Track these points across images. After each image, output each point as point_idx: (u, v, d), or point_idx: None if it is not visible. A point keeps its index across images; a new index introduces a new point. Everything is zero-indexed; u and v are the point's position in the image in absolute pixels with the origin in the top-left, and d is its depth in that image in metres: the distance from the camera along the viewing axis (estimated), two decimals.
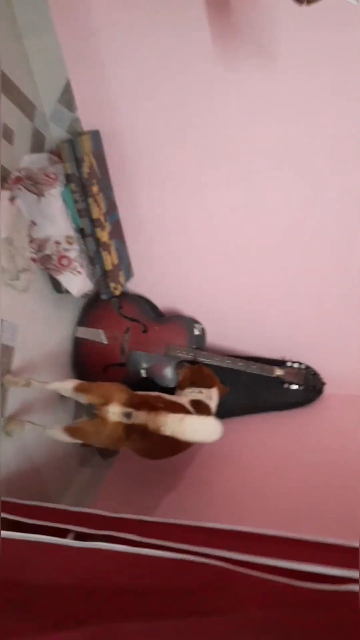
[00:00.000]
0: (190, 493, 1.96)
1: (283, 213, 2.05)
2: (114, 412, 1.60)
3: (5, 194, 1.78)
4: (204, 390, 1.99)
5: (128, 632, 1.02)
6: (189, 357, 2.21)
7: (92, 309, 2.26)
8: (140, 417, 1.57)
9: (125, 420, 1.59)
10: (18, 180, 1.82)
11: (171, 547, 1.29)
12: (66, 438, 1.69)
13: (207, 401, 1.95)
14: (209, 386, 2.02)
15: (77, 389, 1.69)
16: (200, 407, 1.90)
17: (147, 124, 1.99)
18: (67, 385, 1.71)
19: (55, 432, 1.70)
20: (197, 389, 1.98)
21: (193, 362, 2.19)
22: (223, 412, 2.33)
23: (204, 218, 2.17)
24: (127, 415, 1.59)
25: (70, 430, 1.67)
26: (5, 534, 1.40)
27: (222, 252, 2.25)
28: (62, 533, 1.43)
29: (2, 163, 1.81)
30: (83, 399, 1.68)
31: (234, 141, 1.92)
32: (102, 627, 1.04)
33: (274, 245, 2.16)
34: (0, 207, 1.75)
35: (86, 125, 2.04)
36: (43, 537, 1.36)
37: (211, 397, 1.99)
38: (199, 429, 1.55)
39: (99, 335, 2.21)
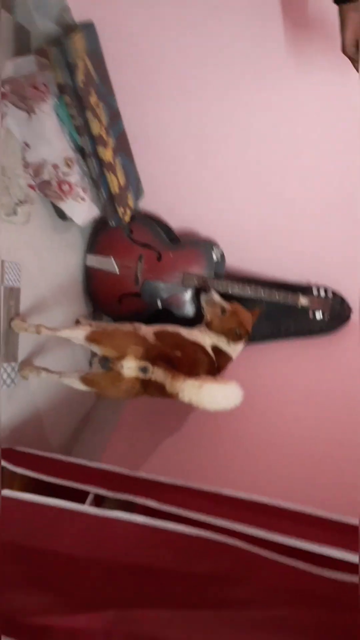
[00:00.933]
0: (200, 442, 1.92)
1: (310, 117, 1.76)
2: (130, 366, 1.50)
3: None
4: (232, 343, 1.87)
5: (151, 620, 1.02)
6: (208, 286, 2.05)
7: (101, 235, 2.07)
8: (158, 374, 1.48)
9: (142, 375, 1.50)
10: (3, 96, 1.55)
11: (191, 518, 1.26)
12: (82, 387, 1.62)
13: (230, 352, 1.85)
14: (240, 337, 1.87)
15: (89, 339, 1.58)
16: (220, 356, 1.81)
17: (150, 12, 1.63)
18: (79, 334, 1.61)
19: (71, 380, 1.63)
20: (225, 340, 1.86)
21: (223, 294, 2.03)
22: None
23: (220, 124, 1.88)
24: (144, 369, 1.50)
25: (86, 381, 1.60)
26: (27, 497, 1.38)
27: (241, 163, 1.99)
28: (80, 494, 1.42)
29: None
30: (97, 349, 1.58)
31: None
32: (125, 612, 1.03)
33: (298, 153, 1.89)
34: None
35: (77, 15, 1.68)
36: (62, 502, 1.34)
37: (237, 349, 1.88)
38: (217, 397, 1.44)
39: (110, 264, 2.04)
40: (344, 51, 1.27)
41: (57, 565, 1.22)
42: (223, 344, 1.84)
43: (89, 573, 1.17)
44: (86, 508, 1.35)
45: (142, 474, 1.47)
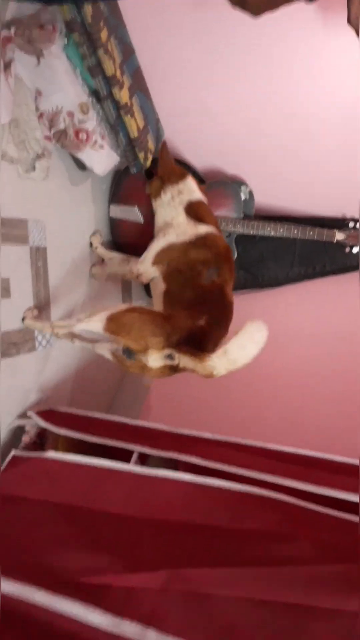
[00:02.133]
0: (235, 395, 1.90)
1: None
2: (154, 359, 1.43)
3: None
4: (180, 184, 1.74)
5: (204, 578, 1.04)
6: (237, 229, 1.97)
7: (123, 183, 1.97)
8: (185, 361, 1.40)
9: (169, 362, 1.44)
10: (7, 40, 1.43)
11: (237, 474, 1.27)
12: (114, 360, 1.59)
13: (191, 196, 1.74)
14: (180, 177, 1.76)
15: (107, 331, 1.48)
16: (192, 209, 1.72)
17: None
18: (96, 327, 1.49)
19: (104, 352, 1.60)
20: (174, 189, 1.74)
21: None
22: (277, 281, 2.18)
23: (245, 53, 1.72)
24: (170, 356, 1.43)
25: (117, 359, 1.56)
26: (72, 458, 1.41)
27: (267, 93, 1.84)
28: (126, 451, 1.44)
29: None
30: (117, 342, 1.51)
31: None
32: (179, 571, 1.06)
33: (330, 81, 1.73)
34: None
35: None
36: (108, 462, 1.36)
37: (192, 189, 1.76)
38: (248, 348, 1.33)
39: (134, 213, 1.96)
40: (349, 21, 1.33)
41: (108, 525, 1.25)
42: (178, 196, 1.73)
43: (141, 532, 1.20)
44: (132, 467, 1.37)
45: (184, 430, 1.48)
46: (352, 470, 1.23)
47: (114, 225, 2.01)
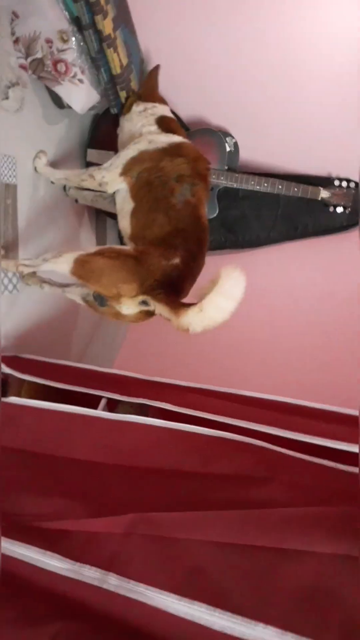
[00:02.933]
0: (212, 346, 1.84)
1: None
2: (128, 307, 1.37)
3: None
4: (157, 104, 1.62)
5: (171, 521, 1.00)
6: (220, 181, 1.89)
7: (103, 126, 1.88)
8: (160, 309, 1.32)
9: (144, 308, 1.37)
10: None
11: (210, 419, 1.22)
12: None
13: (165, 113, 1.63)
14: (158, 101, 1.65)
15: (74, 274, 1.38)
16: (163, 122, 1.59)
17: None
18: (63, 268, 1.39)
19: (75, 297, 1.52)
20: (148, 104, 1.62)
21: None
22: (258, 241, 2.13)
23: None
24: (144, 302, 1.36)
25: (89, 305, 1.49)
26: (35, 403, 1.34)
27: (255, 42, 1.79)
28: (93, 399, 1.38)
29: None
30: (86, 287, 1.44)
31: None
32: (143, 516, 1.01)
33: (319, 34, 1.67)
34: None
35: None
36: (73, 407, 1.29)
37: (167, 111, 1.65)
38: (224, 305, 1.21)
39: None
40: None
41: (73, 471, 1.19)
42: (156, 108, 1.62)
43: (108, 478, 1.15)
44: (99, 413, 1.30)
45: (156, 377, 1.42)
46: (329, 416, 1.20)
47: None
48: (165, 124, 1.58)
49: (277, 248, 2.13)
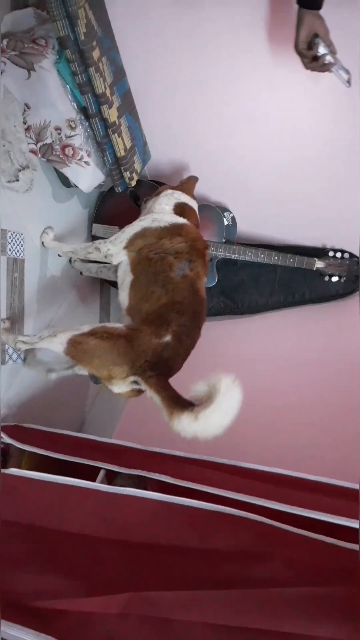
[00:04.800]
0: None
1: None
2: (119, 387, 1.38)
3: None
4: (178, 193, 1.69)
5: (169, 602, 0.98)
6: (219, 253, 1.97)
7: (107, 203, 1.98)
8: (151, 395, 1.31)
9: (135, 387, 1.38)
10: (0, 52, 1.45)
11: (208, 492, 1.22)
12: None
13: (186, 200, 1.69)
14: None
15: (68, 354, 1.41)
16: (180, 207, 1.66)
17: None
18: (57, 348, 1.42)
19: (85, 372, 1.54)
20: (176, 192, 1.70)
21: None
22: (256, 308, 2.19)
23: (231, 84, 1.78)
24: (135, 382, 1.37)
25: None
26: (33, 474, 1.34)
27: (251, 124, 1.92)
28: (93, 469, 1.38)
29: None
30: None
31: None
32: (141, 594, 0.99)
33: (316, 112, 1.80)
34: None
35: None
36: (72, 479, 1.29)
37: (190, 199, 1.71)
38: (221, 420, 1.16)
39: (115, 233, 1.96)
40: (296, 48, 1.43)
41: (68, 545, 1.18)
42: (181, 197, 1.69)
43: (104, 553, 1.13)
44: (98, 485, 1.30)
45: (155, 448, 1.43)
46: (329, 489, 1.19)
47: None
48: (181, 210, 1.65)
49: (275, 314, 2.18)
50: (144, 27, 1.72)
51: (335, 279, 2.02)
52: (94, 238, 2.00)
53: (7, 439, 1.50)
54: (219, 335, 2.14)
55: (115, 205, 1.97)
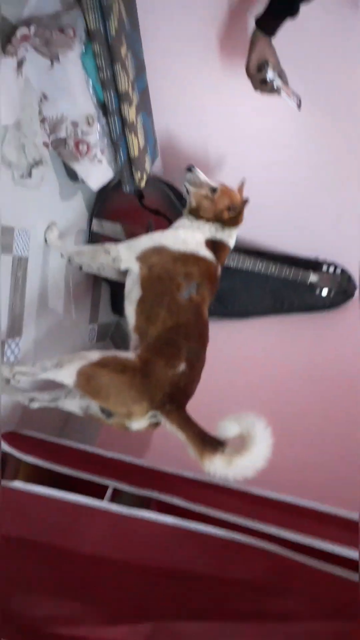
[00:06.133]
0: None
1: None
2: (139, 424, 1.34)
3: (9, 61, 1.30)
4: (221, 229, 1.60)
5: (192, 633, 1.01)
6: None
7: (109, 198, 1.90)
8: (172, 430, 1.29)
9: (154, 420, 1.35)
10: (25, 38, 1.33)
11: (222, 518, 1.25)
12: None
13: (228, 240, 1.63)
14: (236, 217, 1.61)
15: (79, 388, 1.32)
16: (219, 249, 1.60)
17: None
18: (67, 380, 1.33)
19: (73, 409, 1.49)
20: (220, 226, 1.60)
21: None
22: (246, 313, 2.21)
23: (242, 92, 1.75)
24: (154, 416, 1.34)
25: (94, 418, 1.45)
26: (41, 490, 1.31)
27: (257, 132, 1.92)
28: (95, 485, 1.36)
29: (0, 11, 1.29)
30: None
31: None
32: (164, 624, 1.01)
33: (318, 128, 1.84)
34: (2, 82, 1.30)
35: None
36: (82, 498, 1.27)
37: (233, 234, 1.65)
38: (254, 464, 1.17)
39: (115, 230, 1.90)
40: (247, 70, 1.50)
41: (81, 567, 1.16)
42: (219, 232, 1.60)
43: (120, 578, 1.13)
44: (108, 505, 1.29)
45: (163, 467, 1.44)
46: (339, 522, 1.25)
47: (95, 240, 1.93)
48: (214, 247, 1.59)
49: (264, 320, 2.23)
50: (170, 20, 1.63)
51: (325, 292, 2.08)
52: (93, 234, 1.93)
53: (7, 448, 1.46)
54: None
55: (118, 202, 1.90)
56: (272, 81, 1.50)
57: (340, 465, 1.77)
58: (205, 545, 1.20)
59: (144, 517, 1.25)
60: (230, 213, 1.60)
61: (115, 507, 1.29)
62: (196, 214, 1.61)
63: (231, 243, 1.65)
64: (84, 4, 1.35)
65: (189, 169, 1.63)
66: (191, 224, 1.60)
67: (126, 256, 1.55)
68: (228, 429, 1.20)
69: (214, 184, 1.62)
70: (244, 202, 1.64)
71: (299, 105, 1.57)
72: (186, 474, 1.41)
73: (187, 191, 1.63)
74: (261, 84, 1.53)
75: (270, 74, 1.49)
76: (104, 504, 1.30)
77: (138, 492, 1.35)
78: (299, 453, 1.85)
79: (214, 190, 1.60)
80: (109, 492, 1.37)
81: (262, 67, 1.49)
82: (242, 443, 1.17)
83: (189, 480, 1.40)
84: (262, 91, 1.54)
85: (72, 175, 1.70)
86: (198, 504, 1.29)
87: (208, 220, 1.60)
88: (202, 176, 1.63)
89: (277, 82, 1.50)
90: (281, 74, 1.52)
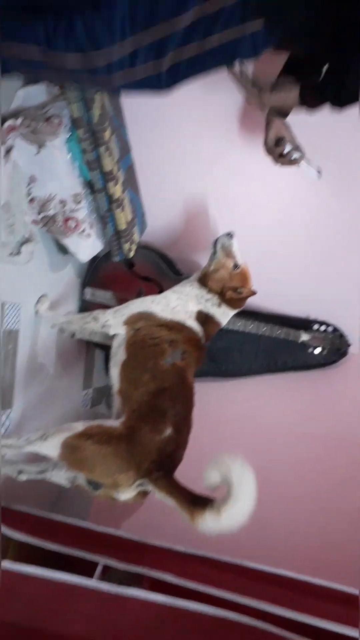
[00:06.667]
0: None
1: None
2: (126, 494, 1.33)
3: None
4: (226, 306, 1.64)
5: None
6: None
7: (100, 267, 1.96)
8: (162, 497, 1.28)
9: (142, 489, 1.35)
10: (11, 129, 1.42)
11: (212, 594, 1.21)
12: None
13: (220, 317, 1.65)
14: (240, 299, 1.65)
15: (64, 460, 1.32)
16: (208, 324, 1.62)
17: None
18: (51, 452, 1.33)
19: (61, 481, 1.49)
20: (218, 301, 1.62)
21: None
22: (240, 372, 2.22)
23: (227, 159, 1.84)
24: (142, 485, 1.33)
25: (81, 490, 1.44)
26: (32, 570, 1.28)
27: (245, 198, 1.98)
28: (88, 564, 1.34)
29: None
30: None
31: None
32: None
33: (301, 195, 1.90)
34: None
35: None
36: (70, 576, 1.24)
37: (229, 314, 1.67)
38: (243, 507, 1.15)
39: (107, 298, 1.94)
40: (265, 145, 1.56)
41: None
42: (215, 307, 1.63)
43: None
44: (97, 584, 1.26)
45: (154, 541, 1.41)
46: (334, 596, 1.21)
47: (87, 308, 1.98)
48: (204, 320, 1.62)
49: (260, 378, 2.23)
50: (152, 105, 1.73)
51: (317, 351, 2.09)
52: (84, 302, 1.98)
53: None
54: (201, 396, 2.17)
55: (109, 271, 1.96)
56: (290, 153, 1.55)
57: (339, 533, 1.72)
58: (196, 624, 1.17)
59: (133, 596, 1.22)
60: (235, 294, 1.64)
61: (104, 586, 1.26)
62: (205, 280, 1.64)
63: (223, 322, 1.68)
64: (69, 96, 1.45)
65: (230, 234, 1.66)
66: (191, 291, 1.63)
67: (115, 321, 1.59)
68: (211, 480, 1.20)
69: (240, 260, 1.66)
70: (253, 292, 1.68)
71: (319, 173, 1.60)
72: (178, 548, 1.38)
73: (214, 252, 1.66)
74: (280, 157, 1.56)
75: (287, 147, 1.54)
76: (93, 583, 1.27)
77: (127, 569, 1.32)
78: (296, 521, 1.82)
79: (236, 266, 1.64)
80: (99, 569, 1.34)
81: (279, 142, 1.54)
82: (227, 491, 1.16)
83: (181, 555, 1.37)
84: (282, 164, 1.58)
85: (62, 249, 1.77)
86: (190, 580, 1.26)
87: (212, 290, 1.63)
88: (235, 247, 1.66)
89: (295, 154, 1.55)
90: (298, 148, 1.56)
